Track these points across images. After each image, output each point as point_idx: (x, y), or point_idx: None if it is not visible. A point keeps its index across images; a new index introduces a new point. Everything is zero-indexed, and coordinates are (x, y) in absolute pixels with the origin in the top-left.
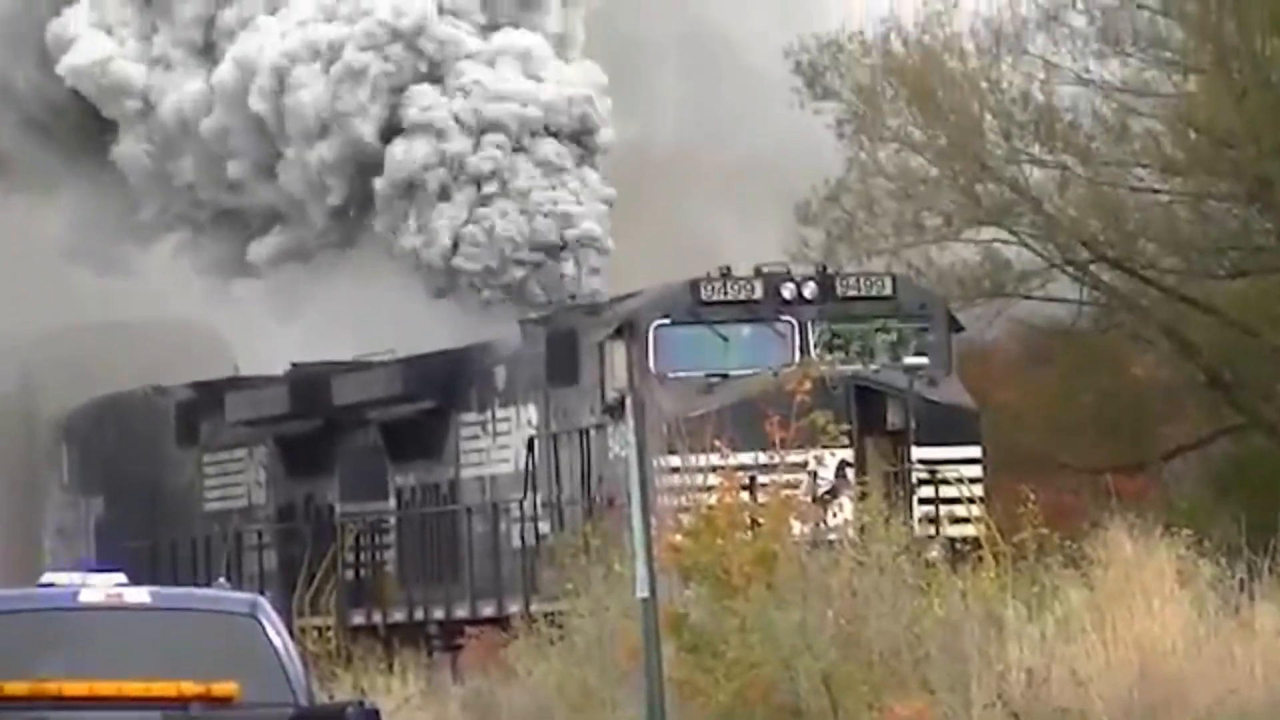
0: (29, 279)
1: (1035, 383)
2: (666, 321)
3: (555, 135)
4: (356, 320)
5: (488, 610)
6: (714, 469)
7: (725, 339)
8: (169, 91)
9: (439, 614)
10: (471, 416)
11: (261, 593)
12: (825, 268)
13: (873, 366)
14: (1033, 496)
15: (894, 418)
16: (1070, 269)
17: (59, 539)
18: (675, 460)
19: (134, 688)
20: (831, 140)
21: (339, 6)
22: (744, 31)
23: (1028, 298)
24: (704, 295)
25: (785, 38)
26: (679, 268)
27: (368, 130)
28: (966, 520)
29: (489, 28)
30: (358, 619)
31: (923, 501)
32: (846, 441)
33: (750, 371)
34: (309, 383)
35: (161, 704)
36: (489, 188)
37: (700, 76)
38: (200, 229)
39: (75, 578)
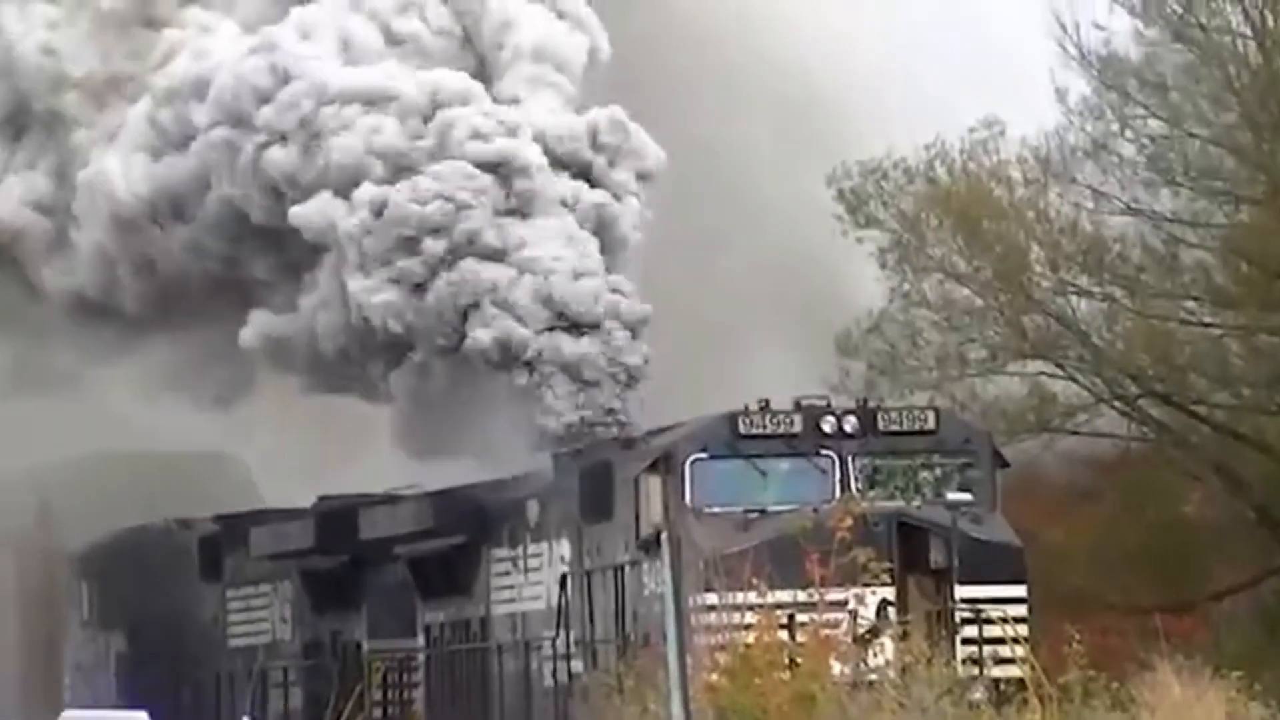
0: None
1: (1082, 519)
2: (704, 455)
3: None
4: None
5: None
6: (752, 607)
7: (764, 474)
8: None
9: None
10: (503, 552)
11: None
12: (867, 401)
13: (915, 503)
14: (1079, 636)
15: (937, 555)
16: (1118, 403)
17: (78, 674)
18: (712, 598)
19: None
20: (873, 270)
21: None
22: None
23: (1074, 433)
24: (742, 429)
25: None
26: (721, 400)
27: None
28: (1011, 661)
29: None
30: None
31: (966, 641)
32: (888, 579)
33: (789, 507)
34: (336, 516)
35: None
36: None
37: (738, 206)
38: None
39: (95, 715)
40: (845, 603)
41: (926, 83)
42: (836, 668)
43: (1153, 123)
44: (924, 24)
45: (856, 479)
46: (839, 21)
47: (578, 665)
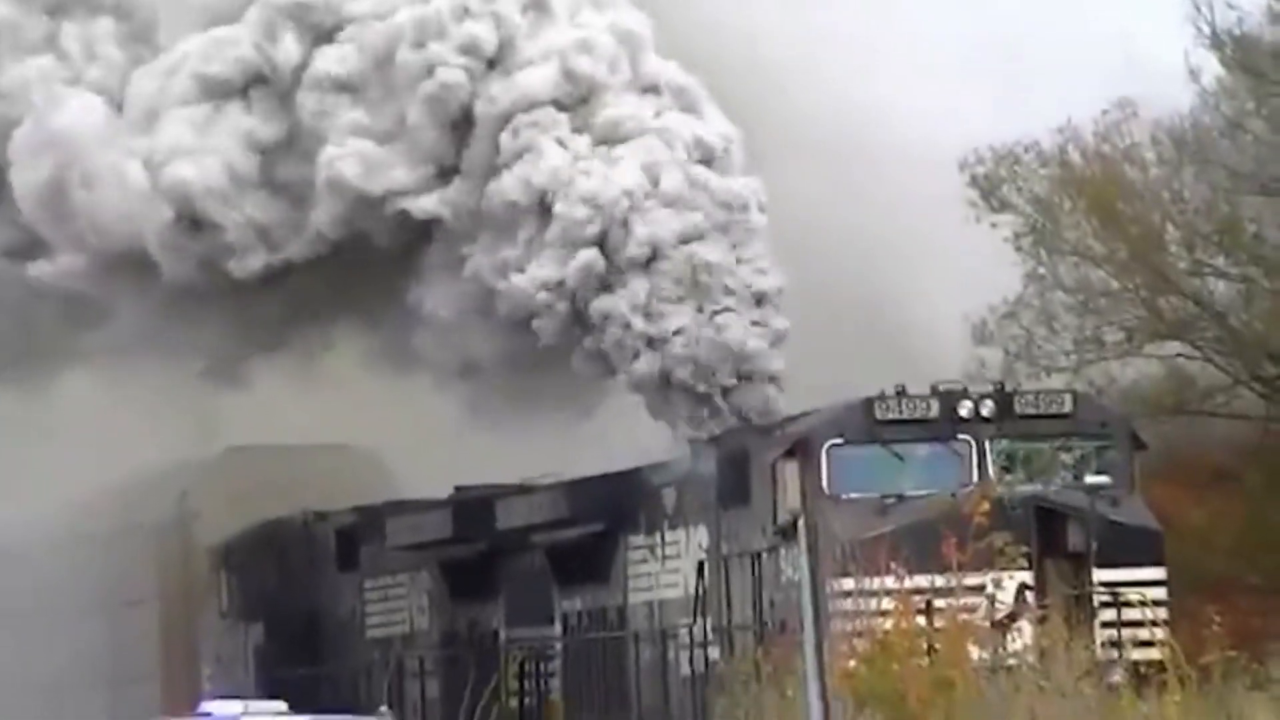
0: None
1: (1221, 502)
2: (840, 441)
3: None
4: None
5: None
6: (889, 592)
7: (901, 459)
8: None
9: None
10: (640, 539)
11: None
12: (1003, 385)
13: (1052, 486)
14: (1218, 618)
15: (1075, 539)
16: (1256, 384)
17: (218, 667)
18: (849, 584)
19: None
20: (1010, 254)
21: None
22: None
23: (1213, 414)
24: (879, 414)
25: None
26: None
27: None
28: (1150, 643)
29: None
30: None
31: (1105, 625)
32: (1026, 564)
33: (926, 492)
34: (472, 506)
35: None
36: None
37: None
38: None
39: (235, 706)
40: (983, 587)
41: (1056, 65)
42: (975, 653)
43: None
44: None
45: (993, 463)
46: None
47: (715, 653)
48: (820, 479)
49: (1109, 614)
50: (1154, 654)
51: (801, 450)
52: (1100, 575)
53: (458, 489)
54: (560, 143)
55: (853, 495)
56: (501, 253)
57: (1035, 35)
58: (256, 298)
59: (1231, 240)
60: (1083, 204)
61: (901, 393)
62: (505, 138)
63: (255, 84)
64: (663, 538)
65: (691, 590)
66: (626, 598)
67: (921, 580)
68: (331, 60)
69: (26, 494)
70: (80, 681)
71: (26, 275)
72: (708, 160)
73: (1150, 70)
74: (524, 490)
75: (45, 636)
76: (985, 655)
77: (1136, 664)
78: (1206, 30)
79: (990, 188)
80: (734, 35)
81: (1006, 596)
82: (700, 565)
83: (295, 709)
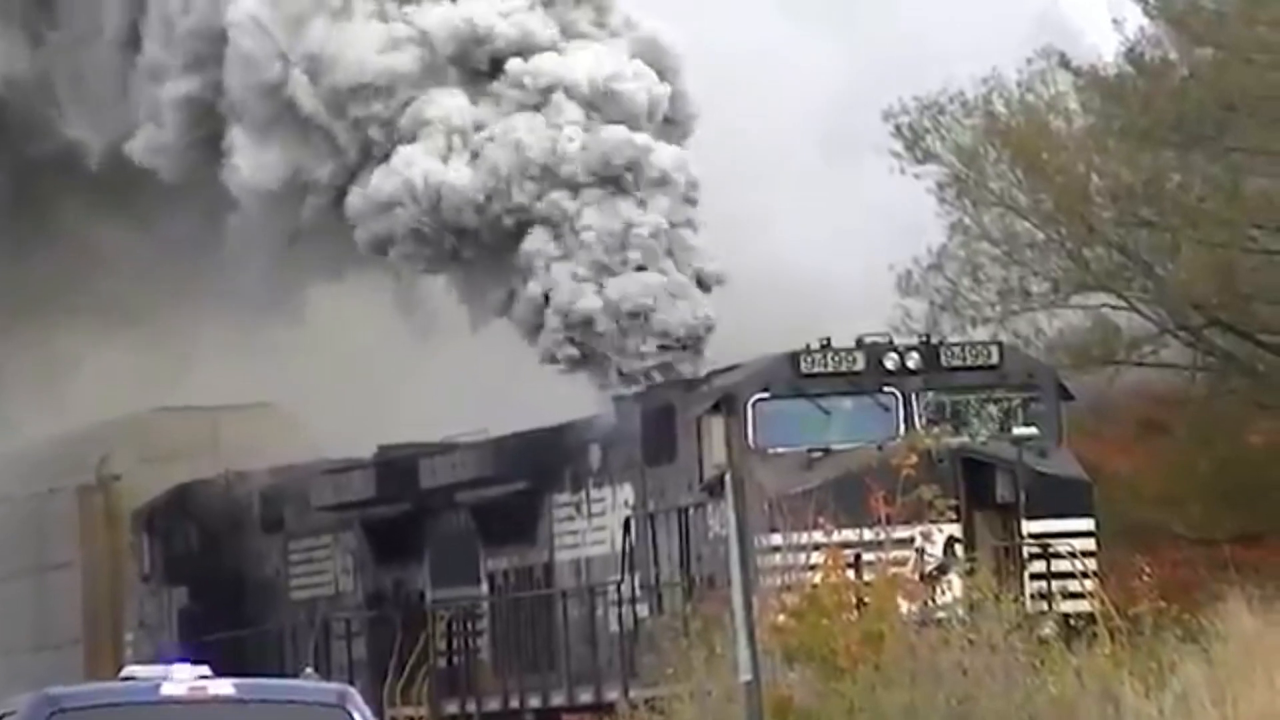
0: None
1: (1148, 452)
2: (766, 395)
3: None
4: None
5: (585, 697)
6: (817, 547)
7: (827, 412)
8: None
9: (535, 702)
10: (565, 497)
11: (351, 683)
12: (929, 337)
13: (980, 438)
14: (1148, 569)
15: (1003, 491)
16: (1183, 334)
17: (141, 631)
18: (777, 538)
19: None
20: (932, 205)
21: None
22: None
23: (1139, 364)
24: (804, 368)
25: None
26: (779, 343)
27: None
28: (1080, 595)
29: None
30: (451, 709)
31: (1034, 577)
32: (954, 516)
33: (854, 445)
34: (396, 465)
35: None
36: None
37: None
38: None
39: (157, 670)
40: (912, 540)
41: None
42: (904, 606)
43: (1212, 52)
44: None
45: (920, 416)
46: None
47: (643, 609)
48: (746, 433)
49: (1038, 566)
50: (1084, 606)
51: (727, 405)
52: (1029, 527)
53: (381, 448)
54: None
55: (779, 449)
56: None
57: None
58: None
59: (1156, 190)
60: (1007, 154)
61: (826, 346)
62: None
63: None
64: (588, 495)
65: (618, 547)
66: (553, 556)
67: (849, 534)
68: None
69: None
70: (2, 648)
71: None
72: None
73: (1072, 19)
74: (447, 449)
75: None
76: (915, 609)
77: (1067, 616)
78: None
79: (915, 138)
80: None
81: (935, 549)
82: (627, 522)
83: (220, 673)
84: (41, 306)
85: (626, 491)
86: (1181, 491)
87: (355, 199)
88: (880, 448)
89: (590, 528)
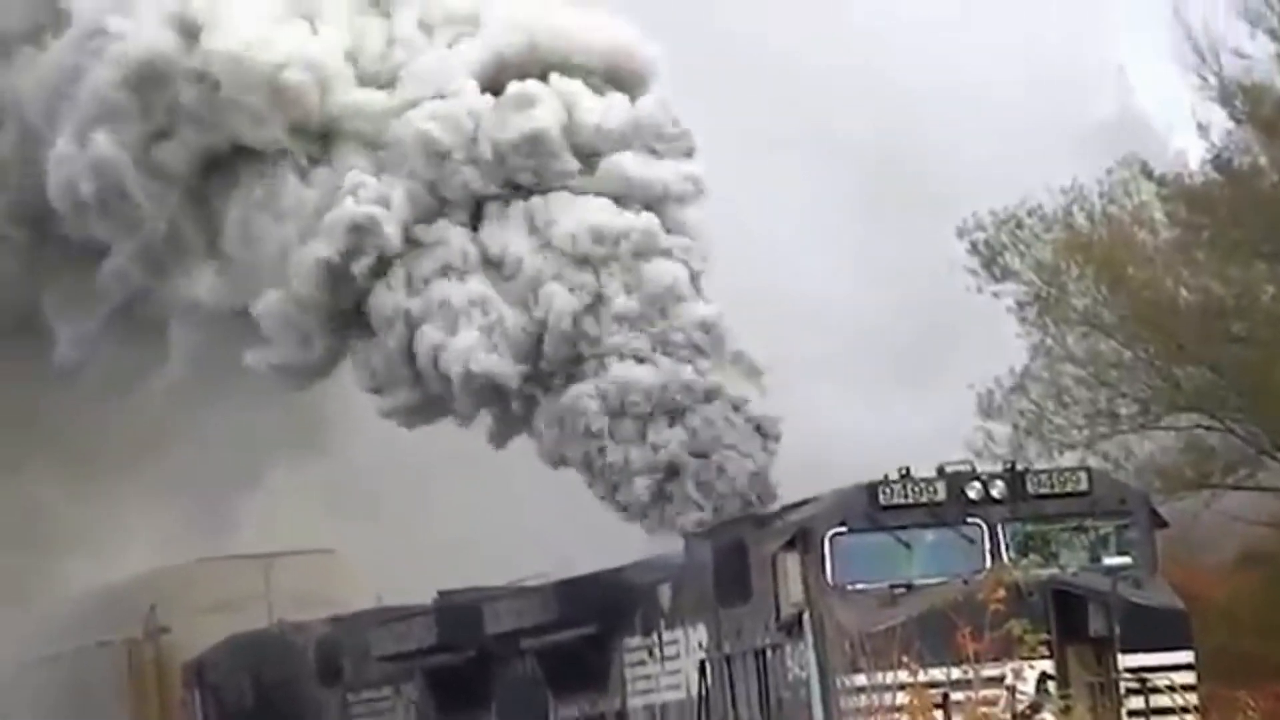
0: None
1: (1247, 580)
2: (843, 530)
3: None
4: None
5: None
6: (903, 687)
7: (908, 546)
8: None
9: None
10: (636, 641)
11: None
12: (1014, 464)
13: (1070, 569)
14: (1252, 704)
15: (1097, 623)
16: None
17: None
18: (860, 679)
19: None
20: (1013, 325)
21: None
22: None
23: (1235, 488)
24: (883, 499)
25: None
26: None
27: None
28: None
29: None
30: None
31: (1132, 714)
32: (1046, 651)
33: (937, 580)
34: (458, 611)
35: None
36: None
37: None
38: None
39: None
40: (1002, 678)
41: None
42: None
43: None
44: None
45: (1007, 547)
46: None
47: None
48: (823, 570)
49: (1136, 702)
50: None
51: (802, 540)
52: (1125, 661)
53: (441, 594)
54: None
55: (859, 585)
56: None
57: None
58: None
59: (1247, 304)
60: (1090, 269)
61: (906, 475)
62: None
63: None
64: (660, 638)
65: (694, 692)
66: (626, 702)
67: (937, 673)
68: None
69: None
70: None
71: None
72: None
73: (1151, 126)
74: (512, 593)
75: None
76: None
77: None
78: (1213, 81)
79: (991, 255)
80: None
81: (1027, 687)
82: (702, 665)
83: None
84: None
85: (700, 633)
86: None
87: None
88: (966, 581)
89: (664, 672)
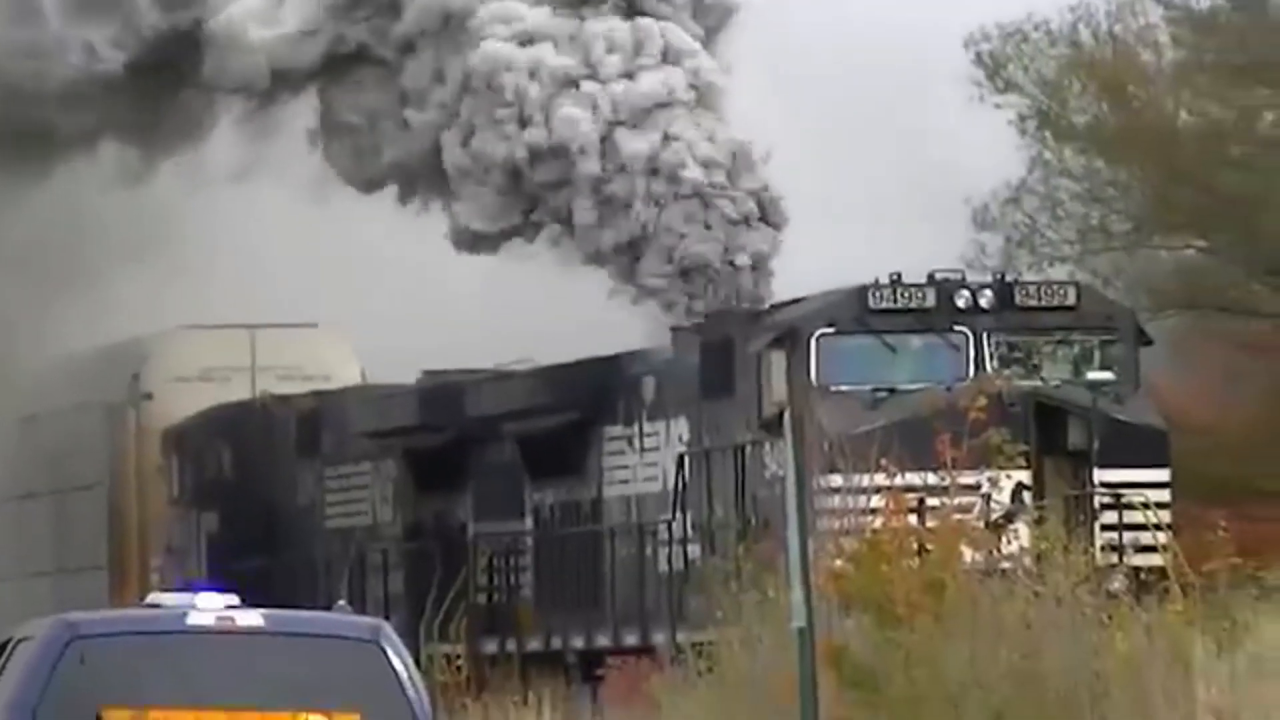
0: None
1: (1232, 403)
2: (831, 331)
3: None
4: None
5: (631, 639)
6: (879, 490)
7: (894, 350)
8: None
9: (578, 643)
10: (617, 430)
11: (386, 617)
12: (1004, 275)
13: (1053, 382)
14: (1224, 524)
15: (1076, 437)
16: (1271, 279)
17: (168, 557)
18: (837, 480)
19: (246, 718)
20: (1013, 138)
21: None
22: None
23: (1224, 310)
24: (872, 303)
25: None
26: (840, 277)
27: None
28: (1153, 549)
29: None
30: (490, 647)
31: (1105, 528)
32: (1024, 462)
33: (920, 386)
34: (441, 392)
35: None
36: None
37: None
38: None
39: (184, 599)
40: (978, 486)
41: None
42: (968, 554)
43: None
44: None
45: (991, 357)
46: None
47: (695, 550)
48: (808, 370)
49: (1110, 517)
50: (1156, 560)
51: (789, 339)
52: (1102, 475)
53: (426, 373)
54: None
55: (842, 387)
56: None
57: None
58: None
59: (1247, 129)
60: (1093, 87)
61: (896, 281)
62: None
63: None
64: (641, 429)
65: (671, 485)
66: (602, 491)
67: (913, 478)
68: None
69: None
70: (23, 570)
71: None
72: None
73: None
74: (496, 376)
75: None
76: (979, 558)
77: (1137, 570)
78: None
79: (996, 66)
80: None
81: (1003, 496)
82: (681, 458)
83: (248, 603)
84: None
85: (681, 427)
86: (1263, 445)
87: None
88: (949, 389)
89: (642, 463)
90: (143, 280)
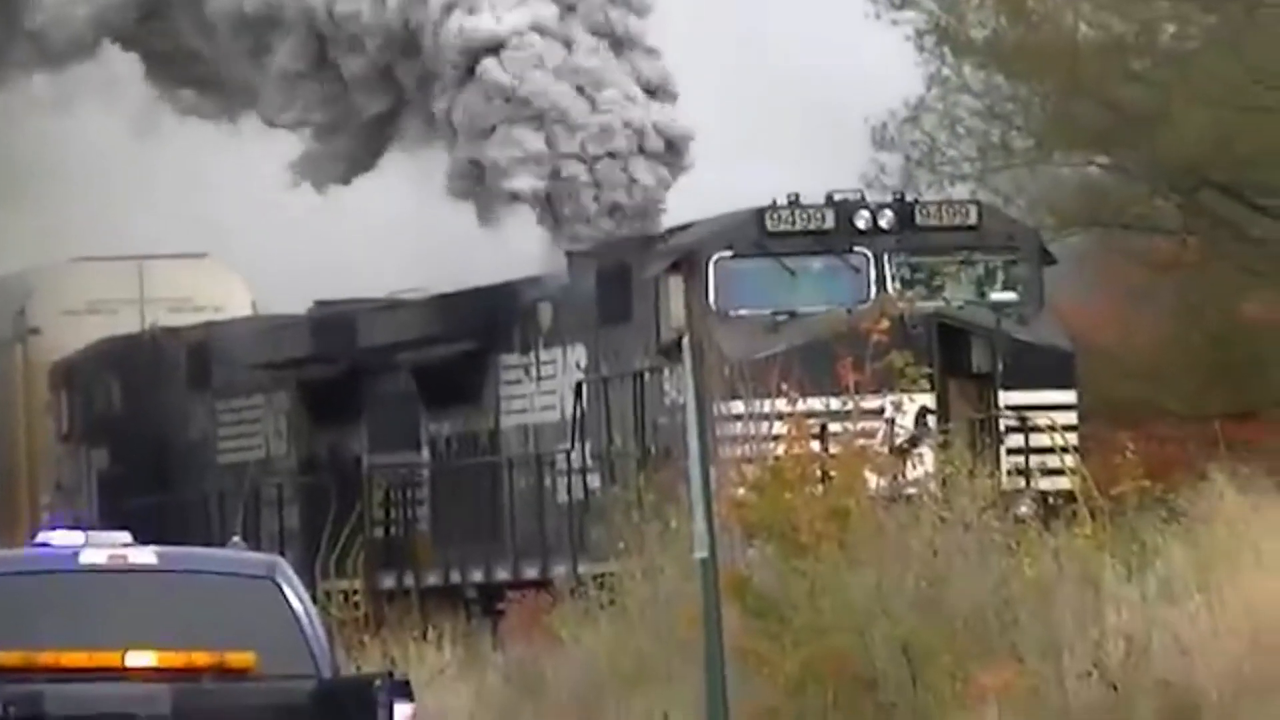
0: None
1: (1136, 322)
2: (728, 254)
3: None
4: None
5: (531, 572)
6: (781, 416)
7: (793, 273)
8: None
9: (477, 576)
10: (513, 359)
11: (281, 553)
12: (904, 195)
13: (956, 303)
14: (1132, 446)
15: (980, 359)
16: (1174, 196)
17: (58, 494)
18: (738, 406)
19: (139, 658)
20: (910, 55)
21: None
22: None
23: (1127, 228)
24: (770, 225)
25: None
26: (739, 200)
27: None
28: (1060, 472)
29: None
30: (388, 582)
31: (1011, 452)
32: (927, 385)
33: (821, 309)
34: (333, 322)
35: (170, 676)
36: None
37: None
38: None
39: (75, 537)
40: (881, 410)
41: None
42: (872, 481)
43: None
44: None
45: (893, 278)
46: None
47: (594, 480)
48: (706, 294)
49: (1016, 440)
50: (1063, 484)
51: (686, 263)
52: (1007, 398)
53: (318, 303)
54: None
55: (741, 312)
56: None
57: None
58: None
59: (1148, 42)
60: (991, 1)
61: (794, 202)
62: None
63: None
64: (538, 357)
65: (569, 413)
66: (499, 421)
67: (815, 403)
68: None
69: None
70: None
71: None
72: None
73: None
74: (389, 305)
75: None
76: (883, 483)
77: (1045, 494)
78: None
79: None
80: None
81: (906, 420)
82: (579, 386)
83: (141, 540)
84: None
85: (579, 354)
86: (1170, 365)
87: None
88: (849, 311)
89: (539, 391)
90: (21, 215)
